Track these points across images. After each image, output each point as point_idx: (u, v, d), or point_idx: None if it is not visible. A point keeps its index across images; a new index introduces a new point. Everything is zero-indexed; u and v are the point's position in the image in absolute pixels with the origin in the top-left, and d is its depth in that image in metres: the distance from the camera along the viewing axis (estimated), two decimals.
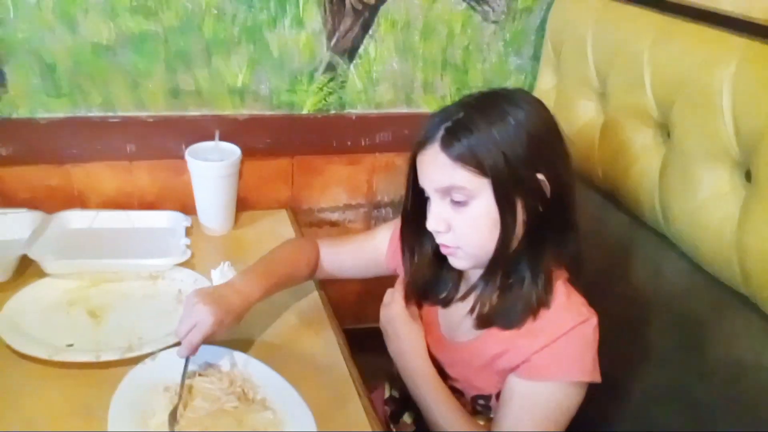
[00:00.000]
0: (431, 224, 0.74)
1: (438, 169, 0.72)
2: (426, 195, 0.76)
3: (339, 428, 0.75)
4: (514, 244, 0.74)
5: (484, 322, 0.78)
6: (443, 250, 0.77)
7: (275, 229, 1.18)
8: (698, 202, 0.84)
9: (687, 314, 0.88)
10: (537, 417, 0.74)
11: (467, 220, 0.73)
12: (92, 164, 1.12)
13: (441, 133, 0.71)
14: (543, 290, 0.74)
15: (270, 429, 0.72)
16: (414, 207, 0.80)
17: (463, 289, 0.84)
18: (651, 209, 0.93)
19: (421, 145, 0.74)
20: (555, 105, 1.17)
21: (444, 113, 0.73)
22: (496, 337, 0.77)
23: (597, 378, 0.75)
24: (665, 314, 0.91)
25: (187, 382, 0.76)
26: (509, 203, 0.71)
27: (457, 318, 0.83)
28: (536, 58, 1.26)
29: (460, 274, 0.84)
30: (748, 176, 0.80)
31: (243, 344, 0.85)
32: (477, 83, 1.27)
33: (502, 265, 0.75)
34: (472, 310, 0.79)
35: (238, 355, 0.81)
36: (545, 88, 1.21)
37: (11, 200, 1.09)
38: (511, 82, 1.28)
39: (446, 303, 0.85)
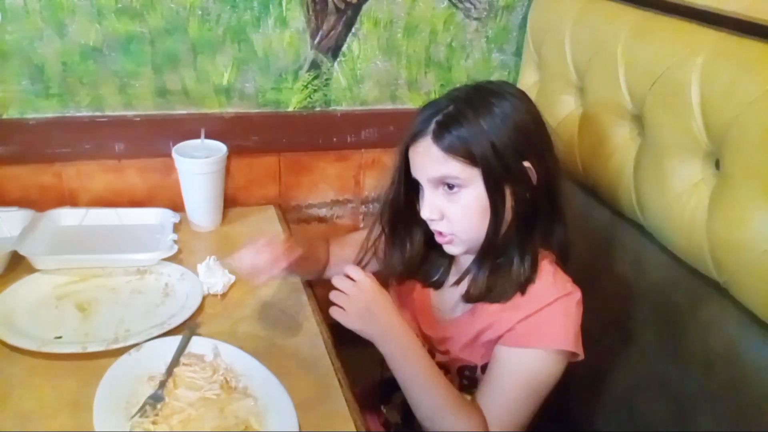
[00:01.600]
0: (425, 213, 0.78)
1: (431, 160, 0.76)
2: (419, 186, 0.79)
3: (320, 418, 0.76)
4: (503, 229, 0.78)
5: (474, 298, 0.82)
6: (438, 239, 0.81)
7: (262, 225, 1.20)
8: (671, 194, 0.86)
9: (666, 304, 0.90)
10: (518, 381, 0.77)
11: (460, 208, 0.77)
12: (82, 163, 1.14)
13: (432, 126, 0.75)
14: (530, 270, 0.78)
15: (251, 416, 0.74)
16: (404, 197, 0.83)
17: (454, 272, 0.88)
18: (628, 202, 0.95)
19: (413, 137, 0.77)
20: (537, 99, 1.17)
21: (434, 107, 0.77)
22: (484, 312, 0.81)
23: (579, 351, 0.78)
24: (645, 305, 0.93)
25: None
26: (498, 191, 0.75)
27: (449, 299, 0.87)
28: (519, 54, 1.28)
29: (451, 258, 0.87)
30: (718, 166, 0.82)
31: (228, 336, 0.87)
32: (461, 80, 1.28)
33: (493, 250, 0.79)
34: (465, 293, 0.82)
35: (222, 346, 0.83)
36: (528, 84, 1.23)
37: (3, 199, 1.10)
38: (495, 78, 1.29)
39: (438, 285, 0.89)
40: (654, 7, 0.93)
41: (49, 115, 1.10)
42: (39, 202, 1.12)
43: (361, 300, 0.78)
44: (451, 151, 0.74)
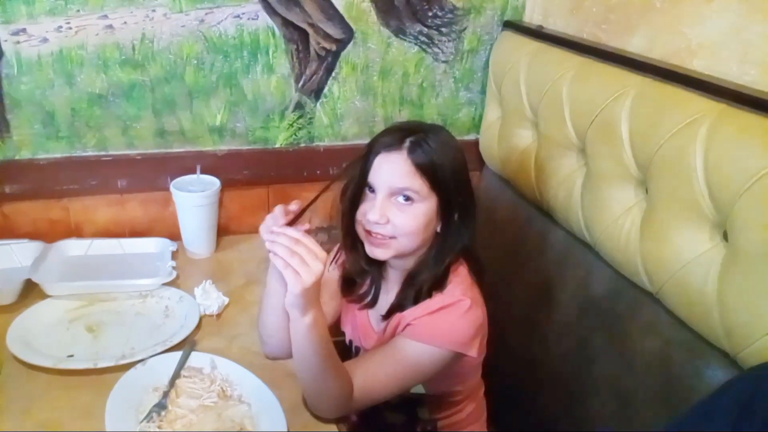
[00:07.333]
0: (374, 216, 0.84)
1: (401, 172, 0.84)
2: (369, 190, 0.87)
3: (306, 420, 0.86)
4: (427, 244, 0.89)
5: (389, 313, 0.92)
6: (372, 241, 0.87)
7: (253, 251, 1.30)
8: (611, 217, 0.98)
9: (611, 313, 1.01)
10: (398, 364, 0.85)
11: (409, 218, 0.85)
12: (88, 198, 1.25)
13: (407, 144, 0.84)
14: (440, 283, 0.89)
15: (245, 419, 0.84)
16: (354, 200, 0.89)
17: (384, 290, 0.97)
18: (577, 224, 1.07)
19: (387, 147, 0.85)
20: (500, 133, 1.32)
21: (406, 127, 0.88)
22: (398, 316, 0.90)
23: (467, 351, 0.86)
24: (595, 313, 1.05)
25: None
26: (445, 215, 0.87)
27: (378, 316, 0.96)
28: (484, 91, 1.41)
29: (381, 274, 0.96)
30: (647, 192, 0.94)
31: (223, 352, 0.97)
32: (432, 116, 1.41)
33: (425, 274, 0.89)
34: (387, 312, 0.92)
35: (218, 359, 0.93)
36: (492, 119, 1.36)
37: (15, 232, 1.21)
38: (463, 114, 1.43)
39: (372, 305, 0.98)
40: (592, 54, 1.07)
41: (58, 155, 1.21)
42: (48, 234, 1.22)
43: (316, 271, 0.75)
44: (420, 168, 0.83)
